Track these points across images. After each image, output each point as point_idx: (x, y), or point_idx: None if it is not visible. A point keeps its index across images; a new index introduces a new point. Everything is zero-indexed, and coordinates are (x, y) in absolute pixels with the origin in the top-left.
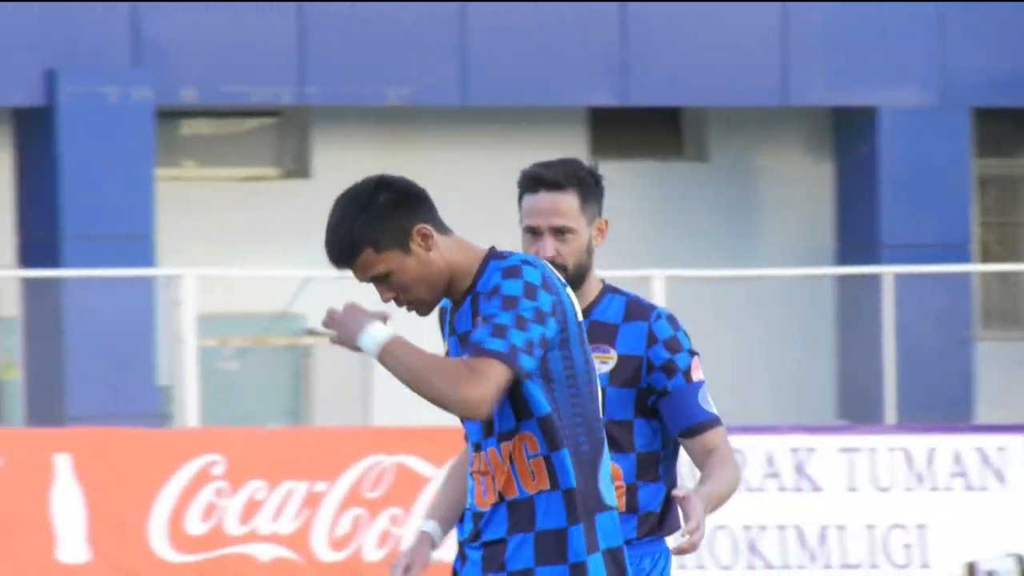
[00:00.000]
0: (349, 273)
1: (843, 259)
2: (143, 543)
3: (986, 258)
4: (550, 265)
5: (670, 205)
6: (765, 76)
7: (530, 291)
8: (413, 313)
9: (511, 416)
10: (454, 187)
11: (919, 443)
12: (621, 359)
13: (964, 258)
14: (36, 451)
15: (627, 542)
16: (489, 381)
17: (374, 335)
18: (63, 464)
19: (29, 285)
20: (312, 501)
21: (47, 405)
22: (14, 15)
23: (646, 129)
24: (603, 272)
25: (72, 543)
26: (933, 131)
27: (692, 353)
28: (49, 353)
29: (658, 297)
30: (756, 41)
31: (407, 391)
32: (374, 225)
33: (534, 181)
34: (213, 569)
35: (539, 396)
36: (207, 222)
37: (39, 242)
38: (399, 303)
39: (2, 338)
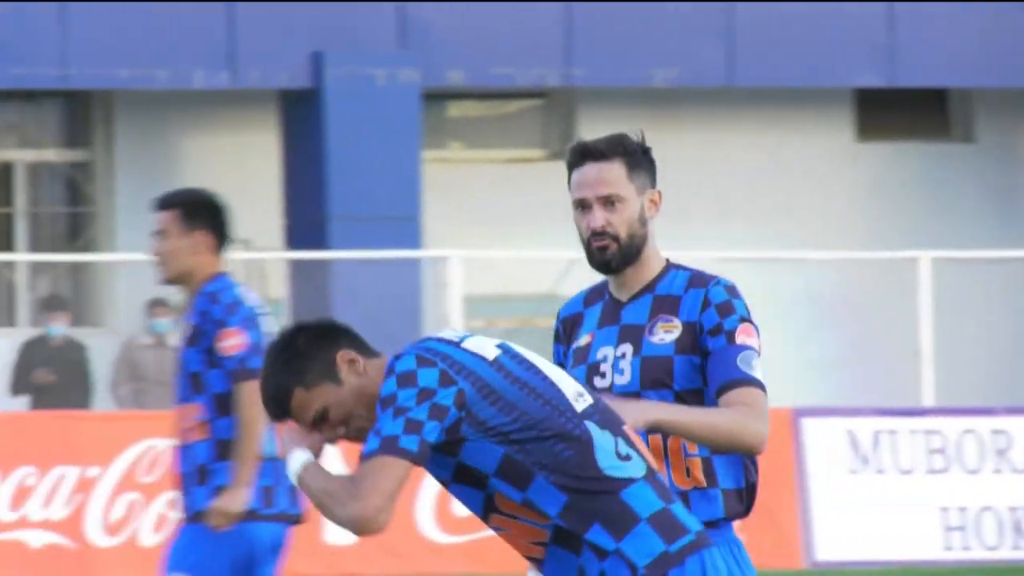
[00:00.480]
0: None
1: None
2: (410, 525)
3: None
4: (442, 340)
5: (936, 186)
6: None
7: (404, 380)
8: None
9: (478, 497)
10: (718, 168)
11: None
12: (684, 326)
13: None
14: None
15: (712, 523)
16: (374, 489)
17: (292, 462)
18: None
19: (296, 267)
20: None
21: None
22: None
23: (912, 110)
24: (869, 254)
25: None
26: None
27: (744, 320)
28: None
29: (924, 278)
30: (1022, 19)
31: None
32: (297, 365)
33: (579, 155)
34: (480, 550)
35: (479, 455)
36: (473, 204)
37: (306, 224)
38: (347, 438)
39: (270, 319)
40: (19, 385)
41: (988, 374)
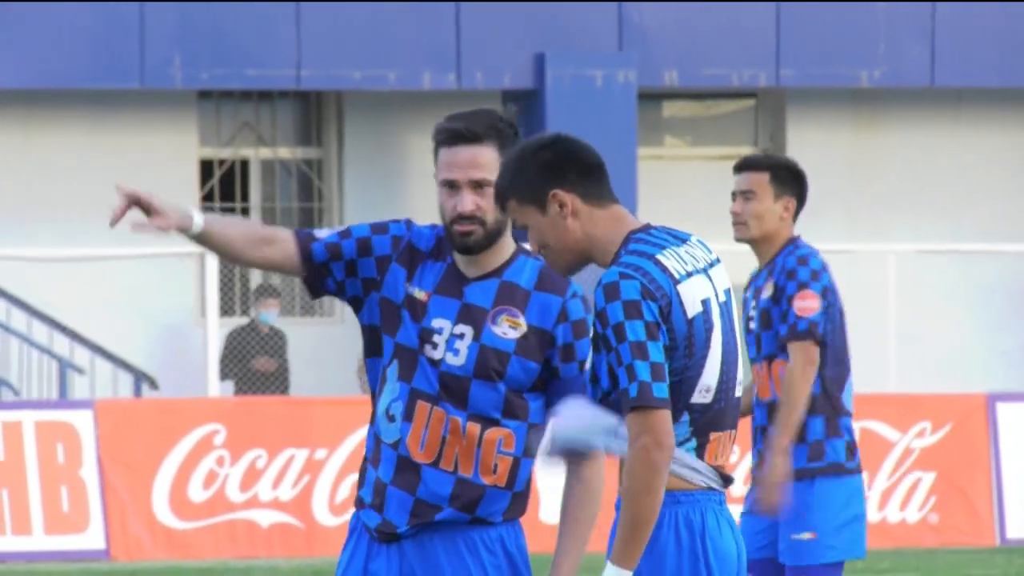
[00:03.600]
0: (820, 246)
1: None
2: None
3: None
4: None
5: None
6: None
7: (631, 310)
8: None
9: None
10: (921, 166)
11: None
12: (531, 330)
13: None
14: None
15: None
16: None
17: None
18: None
19: None
20: None
21: None
22: (507, 2)
23: None
24: (1000, 246)
25: (553, 505)
26: None
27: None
28: None
29: None
30: None
31: (871, 359)
32: (519, 179)
33: (452, 135)
34: None
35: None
36: (686, 199)
37: None
38: (546, 261)
39: None
40: (226, 371)
41: None
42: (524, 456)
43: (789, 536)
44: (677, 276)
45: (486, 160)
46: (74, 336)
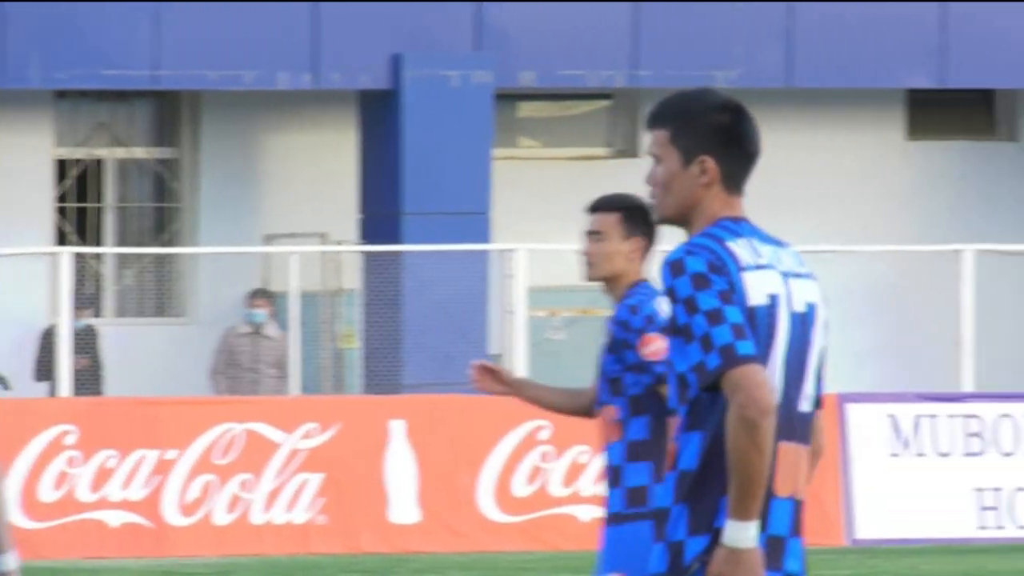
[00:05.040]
0: (664, 247)
1: None
2: (472, 505)
3: None
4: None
5: (981, 183)
6: None
7: (700, 282)
8: None
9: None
10: (778, 167)
11: None
12: None
13: None
14: (373, 417)
15: None
16: (749, 397)
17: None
18: (398, 429)
19: (370, 259)
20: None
21: (384, 373)
22: (364, 3)
23: (961, 110)
24: (915, 247)
25: (404, 504)
26: None
27: None
28: (387, 324)
29: (967, 269)
30: None
31: None
32: (688, 122)
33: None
34: (538, 529)
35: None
36: (540, 199)
37: (380, 218)
38: (650, 193)
39: (344, 310)
40: (42, 372)
41: None
42: None
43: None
44: (743, 264)
45: None
46: None
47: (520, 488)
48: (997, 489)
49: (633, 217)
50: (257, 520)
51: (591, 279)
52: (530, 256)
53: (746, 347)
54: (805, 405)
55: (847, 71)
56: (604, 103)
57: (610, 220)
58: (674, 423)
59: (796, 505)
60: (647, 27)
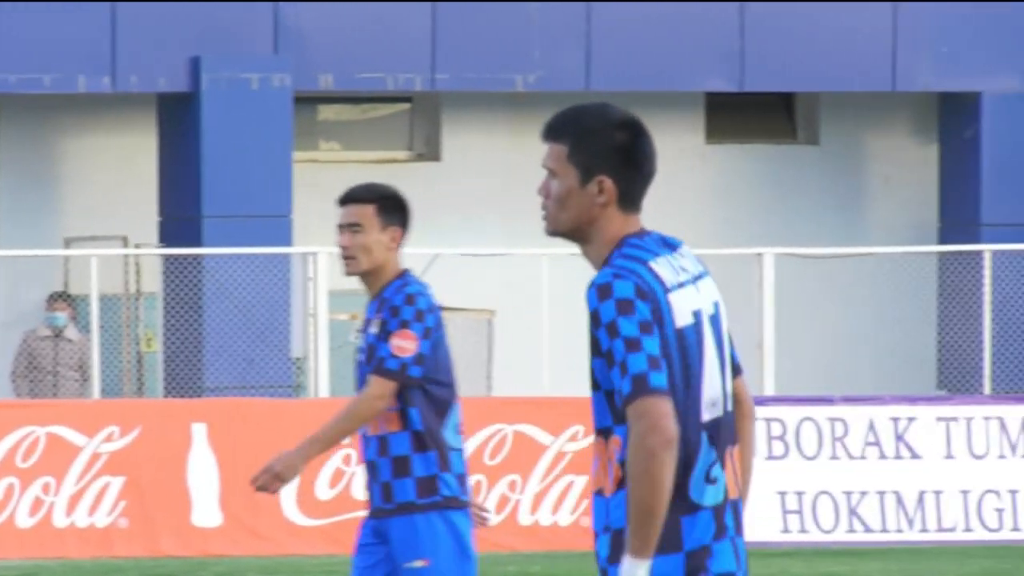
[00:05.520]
0: (475, 250)
1: (946, 238)
2: (274, 508)
3: None
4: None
5: (782, 186)
6: (875, 63)
7: (623, 307)
8: None
9: (608, 415)
10: None
11: (1014, 412)
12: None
13: None
14: (174, 420)
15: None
16: (651, 429)
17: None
18: (199, 433)
19: (170, 262)
20: None
21: (185, 376)
22: (161, 4)
23: (760, 114)
24: (715, 250)
25: (206, 508)
26: None
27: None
28: (188, 327)
29: (768, 273)
30: (866, 29)
31: (530, 362)
32: (587, 139)
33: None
34: (340, 532)
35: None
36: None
37: (180, 221)
38: (542, 204)
39: (144, 313)
40: None
41: (826, 365)
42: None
43: (403, 565)
44: (669, 285)
45: None
46: None
47: (323, 491)
48: (800, 493)
49: (388, 207)
50: (60, 523)
51: (353, 274)
52: (331, 259)
53: (658, 379)
54: (730, 404)
55: (646, 74)
56: (404, 106)
57: (367, 211)
58: (612, 444)
59: (739, 505)
60: (446, 30)
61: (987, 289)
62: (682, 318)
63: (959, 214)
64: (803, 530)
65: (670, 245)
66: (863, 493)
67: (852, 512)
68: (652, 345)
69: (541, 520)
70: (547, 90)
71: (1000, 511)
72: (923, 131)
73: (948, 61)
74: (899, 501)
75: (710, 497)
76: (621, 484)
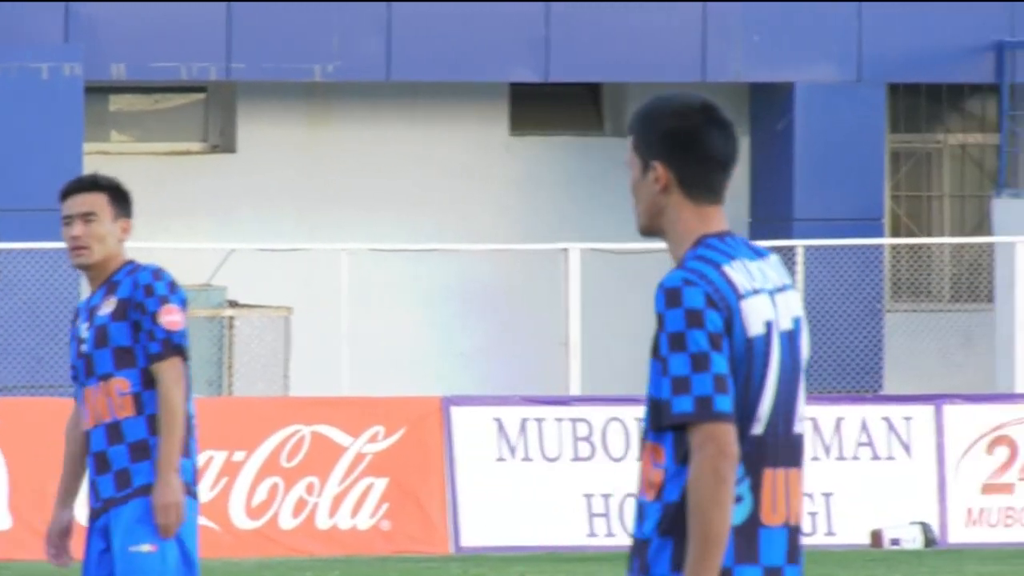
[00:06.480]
0: (271, 246)
1: (757, 232)
2: None
3: (896, 232)
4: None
5: (588, 179)
6: (684, 52)
7: (693, 319)
8: None
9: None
10: (377, 161)
11: (827, 413)
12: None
13: (876, 231)
14: None
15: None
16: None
17: None
18: None
19: None
20: (231, 469)
21: None
22: None
23: (566, 104)
24: (520, 245)
25: None
26: (848, 107)
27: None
28: None
29: (573, 269)
30: (675, 18)
31: (324, 361)
32: (645, 128)
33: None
34: None
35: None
36: (134, 195)
37: None
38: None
39: None
40: None
41: (633, 364)
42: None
43: (127, 548)
44: (742, 291)
45: None
46: None
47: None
48: (607, 495)
49: (119, 197)
50: None
51: (84, 265)
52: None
53: (724, 403)
54: (799, 426)
55: (448, 64)
56: (199, 96)
57: (100, 200)
58: (652, 449)
59: (791, 532)
60: (242, 18)
61: (800, 286)
62: (754, 327)
63: (771, 208)
64: (609, 533)
65: (757, 252)
66: None
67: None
68: (720, 363)
69: (340, 523)
70: (346, 80)
71: (814, 515)
72: (735, 122)
73: (759, 51)
74: None
75: (732, 516)
76: (659, 495)
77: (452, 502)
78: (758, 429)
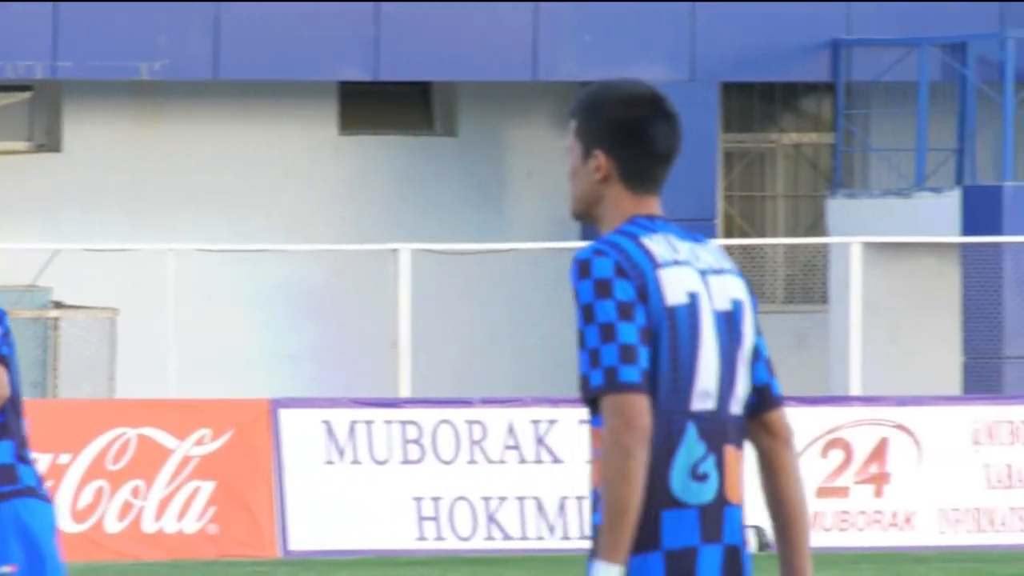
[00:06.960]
0: (97, 246)
1: (588, 233)
2: None
3: (730, 232)
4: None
5: (419, 179)
6: (515, 51)
7: (601, 288)
8: None
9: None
10: (205, 160)
11: None
12: None
13: (709, 232)
14: None
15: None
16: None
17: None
18: None
19: None
20: (55, 473)
21: None
22: None
23: (396, 103)
24: (349, 246)
25: None
26: (681, 106)
27: None
28: None
29: (404, 270)
30: (507, 17)
31: (150, 363)
32: (590, 115)
33: None
34: None
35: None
36: None
37: None
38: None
39: None
40: None
41: (464, 365)
42: None
43: None
44: (660, 261)
45: None
46: None
47: None
48: (437, 498)
49: None
50: None
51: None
52: None
53: (629, 373)
54: (736, 408)
55: (276, 62)
56: (24, 95)
57: None
58: (593, 434)
59: (742, 513)
60: (68, 16)
61: None
62: (673, 296)
63: None
64: (439, 537)
65: (692, 237)
66: (502, 499)
67: (491, 519)
68: (628, 332)
69: (166, 527)
70: (173, 78)
71: None
72: (565, 122)
73: (591, 50)
74: (540, 507)
75: (696, 494)
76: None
77: (280, 506)
78: (710, 404)
